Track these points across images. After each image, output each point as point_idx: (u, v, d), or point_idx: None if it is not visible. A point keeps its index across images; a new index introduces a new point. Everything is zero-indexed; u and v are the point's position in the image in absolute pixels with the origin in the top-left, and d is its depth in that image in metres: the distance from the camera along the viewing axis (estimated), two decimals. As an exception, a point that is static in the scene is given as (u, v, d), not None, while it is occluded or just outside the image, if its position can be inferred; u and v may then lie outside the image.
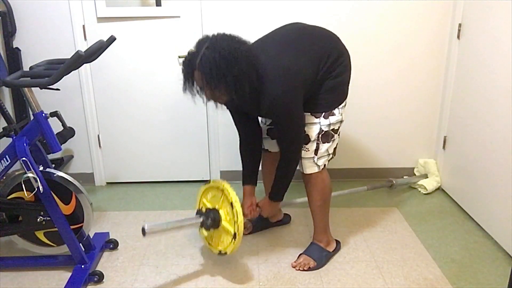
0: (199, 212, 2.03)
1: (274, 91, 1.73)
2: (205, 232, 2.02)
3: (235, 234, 1.88)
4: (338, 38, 1.95)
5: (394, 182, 2.80)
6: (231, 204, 1.90)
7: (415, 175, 3.01)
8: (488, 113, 2.32)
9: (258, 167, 2.14)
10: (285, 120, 1.83)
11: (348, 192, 2.62)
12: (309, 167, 1.99)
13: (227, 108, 2.01)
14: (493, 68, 2.27)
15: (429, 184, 2.85)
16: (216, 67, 1.59)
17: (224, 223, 1.95)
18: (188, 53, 1.68)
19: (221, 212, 1.97)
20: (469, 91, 2.53)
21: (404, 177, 2.98)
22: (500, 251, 2.19)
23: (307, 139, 1.94)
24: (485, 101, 2.35)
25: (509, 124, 2.12)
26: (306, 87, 1.82)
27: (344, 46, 1.95)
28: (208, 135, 2.96)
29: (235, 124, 2.07)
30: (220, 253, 1.99)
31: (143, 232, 1.79)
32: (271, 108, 1.77)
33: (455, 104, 2.72)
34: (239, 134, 2.09)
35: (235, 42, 1.66)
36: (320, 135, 1.93)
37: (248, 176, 2.12)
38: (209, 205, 2.04)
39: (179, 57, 2.77)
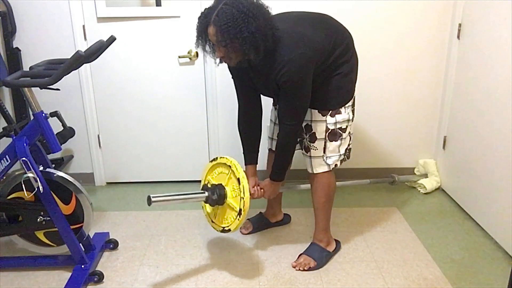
0: (204, 188, 1.99)
1: (288, 55, 1.70)
2: (208, 209, 1.98)
3: (240, 210, 1.86)
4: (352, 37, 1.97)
5: (396, 178, 2.81)
6: (238, 180, 1.87)
7: (415, 174, 3.01)
8: (488, 113, 2.32)
9: (259, 146, 2.10)
10: (292, 88, 1.77)
11: (350, 183, 2.61)
12: (319, 166, 1.99)
13: (231, 75, 1.98)
14: (493, 68, 2.27)
15: (429, 183, 2.85)
16: (233, 22, 1.58)
17: (229, 200, 1.92)
18: (205, 8, 1.67)
19: (227, 189, 1.94)
20: (469, 91, 2.53)
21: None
22: (500, 251, 2.19)
23: (313, 137, 1.95)
24: (485, 101, 2.34)
25: (509, 124, 2.12)
26: (318, 63, 1.79)
27: (355, 48, 1.96)
28: (208, 135, 2.96)
29: (237, 92, 2.03)
30: (223, 230, 1.95)
31: (149, 201, 1.76)
32: (281, 74, 1.73)
33: (455, 104, 2.72)
34: (239, 104, 2.04)
35: (255, 1, 1.65)
36: (327, 133, 1.94)
37: (250, 155, 2.08)
38: (215, 182, 2.01)
39: (179, 57, 2.78)
